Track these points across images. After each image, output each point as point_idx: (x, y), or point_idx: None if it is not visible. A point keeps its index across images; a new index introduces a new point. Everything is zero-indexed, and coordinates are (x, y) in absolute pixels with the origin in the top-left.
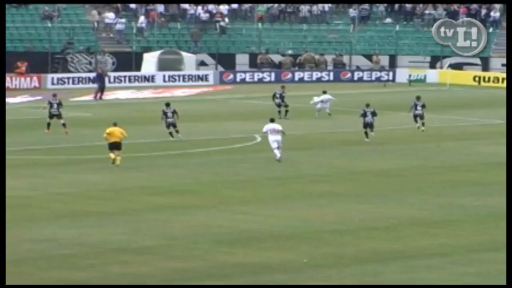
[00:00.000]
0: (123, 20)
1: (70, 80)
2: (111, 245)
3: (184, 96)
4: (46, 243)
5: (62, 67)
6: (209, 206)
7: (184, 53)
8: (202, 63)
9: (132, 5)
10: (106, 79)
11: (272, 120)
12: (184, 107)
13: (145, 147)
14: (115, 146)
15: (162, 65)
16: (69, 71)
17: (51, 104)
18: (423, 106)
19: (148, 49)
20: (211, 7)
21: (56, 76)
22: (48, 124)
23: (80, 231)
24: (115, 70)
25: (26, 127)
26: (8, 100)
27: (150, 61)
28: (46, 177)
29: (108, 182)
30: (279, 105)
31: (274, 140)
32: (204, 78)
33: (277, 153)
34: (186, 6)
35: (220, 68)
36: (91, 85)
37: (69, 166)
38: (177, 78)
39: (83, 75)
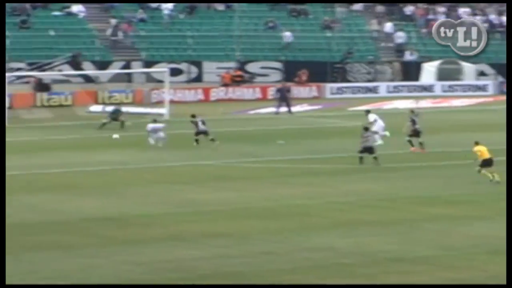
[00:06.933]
0: (403, 33)
1: (350, 90)
2: (387, 254)
3: (463, 106)
4: (324, 252)
5: (342, 77)
6: (487, 217)
7: (464, 63)
8: (481, 74)
9: (409, 14)
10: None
11: None
12: (462, 117)
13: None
14: (487, 163)
15: (442, 75)
16: (348, 81)
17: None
18: None
19: (427, 59)
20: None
21: (335, 85)
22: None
23: (356, 240)
24: (392, 80)
25: (306, 136)
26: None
27: (429, 71)
28: (323, 186)
29: (384, 192)
30: None
31: None
32: (483, 88)
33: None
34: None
35: (500, 79)
36: (369, 94)
37: (346, 175)
38: (456, 88)
39: (362, 84)
